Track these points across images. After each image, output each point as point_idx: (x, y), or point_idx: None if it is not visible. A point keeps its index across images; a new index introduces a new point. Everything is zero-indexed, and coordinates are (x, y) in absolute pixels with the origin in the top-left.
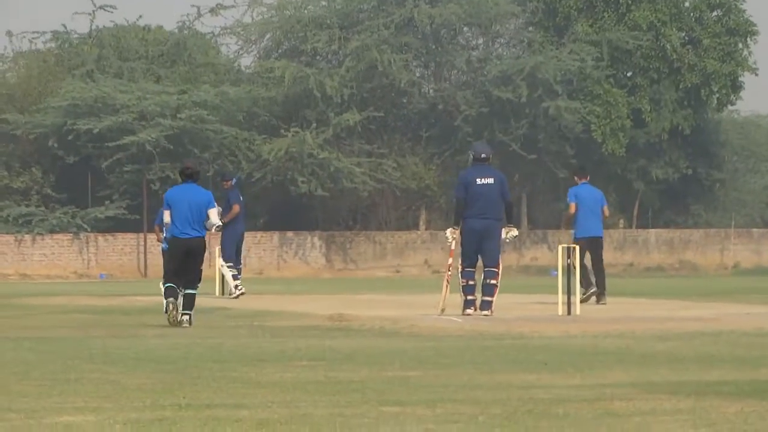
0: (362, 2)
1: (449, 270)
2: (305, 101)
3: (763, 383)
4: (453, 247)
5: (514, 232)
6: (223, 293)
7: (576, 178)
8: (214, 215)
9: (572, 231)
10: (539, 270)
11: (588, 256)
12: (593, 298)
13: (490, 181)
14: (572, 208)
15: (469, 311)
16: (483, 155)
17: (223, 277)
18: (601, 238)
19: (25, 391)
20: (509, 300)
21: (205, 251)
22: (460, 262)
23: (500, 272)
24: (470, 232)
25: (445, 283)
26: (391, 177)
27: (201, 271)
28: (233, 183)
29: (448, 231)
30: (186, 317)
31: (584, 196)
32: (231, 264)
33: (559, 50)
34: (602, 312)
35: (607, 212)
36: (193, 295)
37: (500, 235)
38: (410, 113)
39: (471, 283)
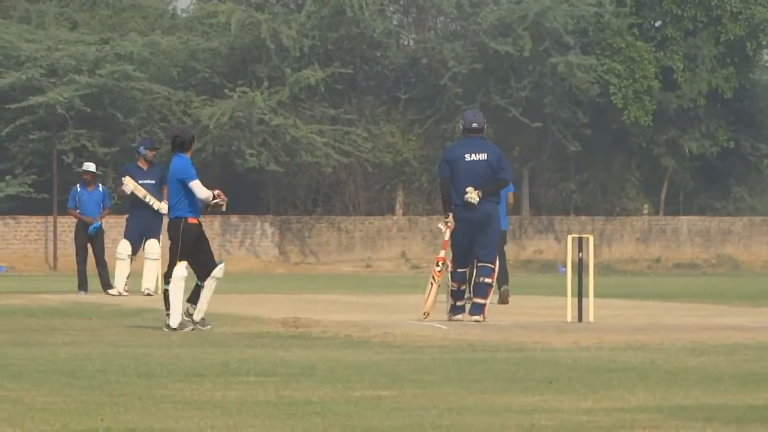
0: None
1: (438, 265)
2: (255, 54)
3: None
4: (447, 237)
5: (474, 195)
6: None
7: None
8: (196, 188)
9: None
10: (544, 266)
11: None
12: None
13: (483, 156)
14: None
15: (457, 317)
16: (474, 125)
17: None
18: (505, 231)
19: None
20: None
21: (177, 233)
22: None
23: (497, 269)
24: (460, 223)
25: (431, 280)
26: (361, 149)
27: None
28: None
29: (441, 224)
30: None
31: None
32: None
33: None
34: (621, 318)
35: (511, 199)
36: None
37: (497, 222)
38: (386, 70)
39: (463, 288)
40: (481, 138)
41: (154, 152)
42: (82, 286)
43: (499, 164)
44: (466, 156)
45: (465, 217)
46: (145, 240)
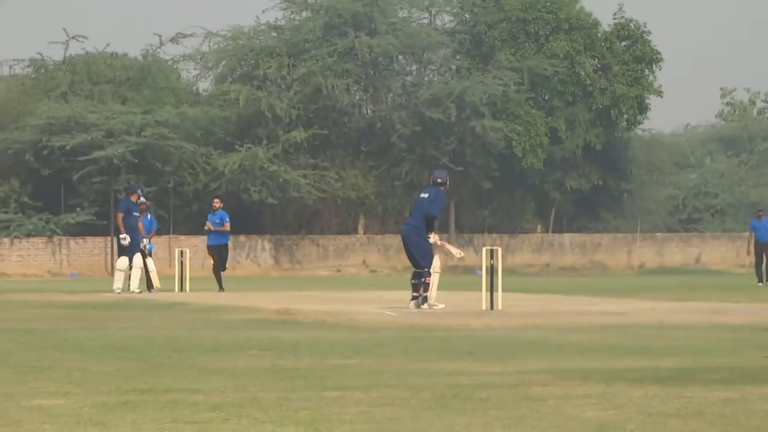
0: (308, 33)
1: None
2: (257, 120)
3: (665, 371)
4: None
5: (431, 238)
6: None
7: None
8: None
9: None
10: (465, 270)
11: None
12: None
13: (425, 195)
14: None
15: (411, 304)
16: (439, 180)
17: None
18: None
19: (3, 377)
20: (438, 296)
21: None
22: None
23: (431, 271)
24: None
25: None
26: (333, 187)
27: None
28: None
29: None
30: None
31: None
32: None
33: (484, 76)
34: (522, 307)
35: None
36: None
37: (417, 241)
38: (351, 131)
39: (413, 282)
40: (437, 187)
41: (138, 197)
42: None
43: (431, 204)
44: (420, 194)
45: (401, 236)
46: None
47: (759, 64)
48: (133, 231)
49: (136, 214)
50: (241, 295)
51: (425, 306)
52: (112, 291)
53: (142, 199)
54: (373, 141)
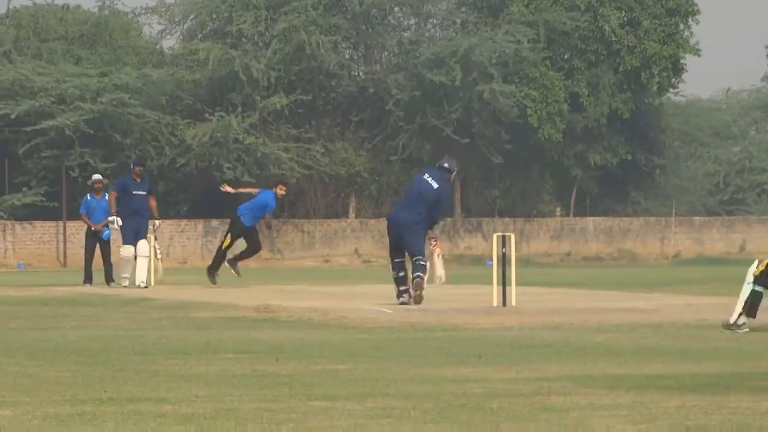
0: None
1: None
2: (230, 84)
3: (705, 377)
4: None
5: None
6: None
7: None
8: None
9: None
10: (474, 260)
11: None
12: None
13: (432, 182)
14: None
15: (402, 300)
16: (445, 165)
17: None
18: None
19: None
20: (442, 291)
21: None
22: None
23: (426, 259)
24: (390, 227)
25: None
26: (320, 163)
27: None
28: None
29: None
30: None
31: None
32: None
33: (493, 31)
34: (539, 303)
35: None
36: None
37: (416, 227)
38: (339, 97)
39: (402, 274)
40: (444, 174)
41: (140, 168)
42: (88, 279)
43: (437, 203)
44: (425, 175)
45: (392, 222)
46: (137, 240)
47: None
48: (135, 214)
49: (141, 192)
50: (214, 290)
51: (422, 275)
52: (119, 285)
53: (97, 176)
54: (365, 108)
